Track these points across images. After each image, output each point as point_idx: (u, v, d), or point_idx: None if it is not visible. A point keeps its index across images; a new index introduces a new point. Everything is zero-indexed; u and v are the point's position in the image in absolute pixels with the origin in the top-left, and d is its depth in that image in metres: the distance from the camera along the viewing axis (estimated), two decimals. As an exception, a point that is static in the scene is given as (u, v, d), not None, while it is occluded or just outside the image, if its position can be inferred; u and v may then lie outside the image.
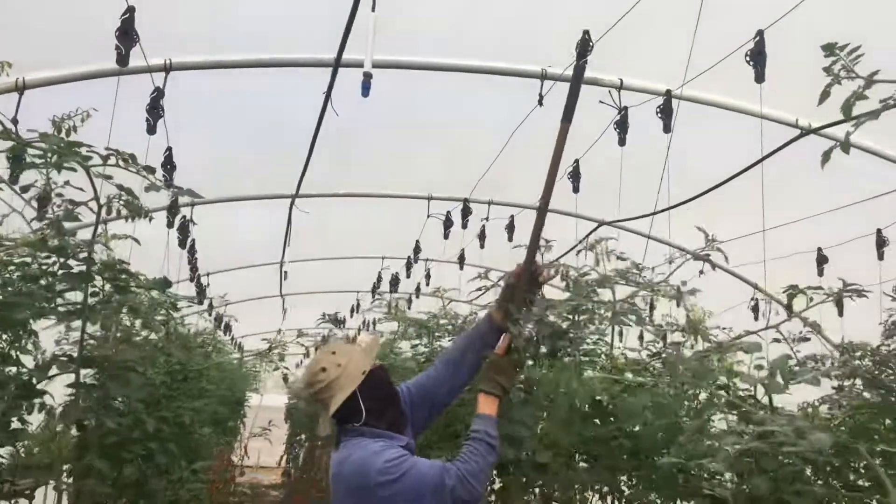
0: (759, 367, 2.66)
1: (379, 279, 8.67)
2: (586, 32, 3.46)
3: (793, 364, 2.64)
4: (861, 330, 3.51)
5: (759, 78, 3.28)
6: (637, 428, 2.80)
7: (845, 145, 1.88)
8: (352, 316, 9.96)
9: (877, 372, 2.88)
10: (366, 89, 2.92)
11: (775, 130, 4.18)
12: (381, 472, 2.29)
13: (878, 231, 4.80)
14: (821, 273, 5.34)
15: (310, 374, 2.48)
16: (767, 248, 5.60)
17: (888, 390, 2.65)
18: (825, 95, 2.08)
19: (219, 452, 7.29)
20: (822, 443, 1.56)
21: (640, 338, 3.86)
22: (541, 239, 2.86)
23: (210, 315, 7.90)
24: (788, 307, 3.72)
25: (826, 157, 1.93)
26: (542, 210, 2.81)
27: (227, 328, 8.93)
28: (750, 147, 4.00)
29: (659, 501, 2.91)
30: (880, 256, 4.76)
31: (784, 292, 3.56)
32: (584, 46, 3.30)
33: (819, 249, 5.42)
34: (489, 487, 3.69)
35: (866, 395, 2.67)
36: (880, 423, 2.40)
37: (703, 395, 2.69)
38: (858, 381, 2.96)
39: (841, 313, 5.67)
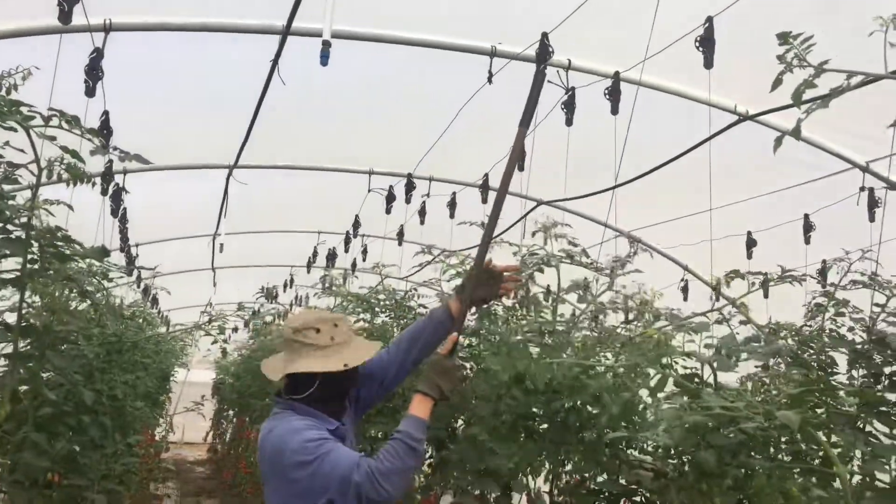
0: (708, 347, 2.77)
1: (315, 254, 8.58)
2: (545, 36, 3.46)
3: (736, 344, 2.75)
4: (784, 312, 3.67)
5: (708, 64, 3.37)
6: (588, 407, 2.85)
7: (796, 131, 1.95)
8: (284, 291, 9.82)
9: (799, 351, 3.04)
10: (324, 58, 2.86)
11: (724, 118, 4.31)
12: (296, 451, 2.24)
13: (806, 216, 5.02)
14: (750, 256, 5.56)
15: (304, 322, 2.43)
16: (705, 233, 5.78)
17: (809, 368, 2.81)
18: (778, 83, 2.15)
19: (146, 427, 7.11)
20: (789, 420, 1.62)
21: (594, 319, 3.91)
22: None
23: (138, 287, 7.66)
24: (716, 289, 3.87)
25: (778, 142, 2.00)
26: (496, 212, 2.77)
27: (155, 301, 8.68)
28: (696, 133, 4.11)
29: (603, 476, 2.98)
30: (807, 241, 4.98)
31: (725, 276, 3.69)
32: (544, 51, 3.24)
33: (749, 233, 5.63)
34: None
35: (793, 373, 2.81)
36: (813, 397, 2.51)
37: (654, 374, 2.77)
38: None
39: (766, 295, 5.92)
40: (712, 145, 4.24)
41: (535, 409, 3.04)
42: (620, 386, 2.48)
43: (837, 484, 2.01)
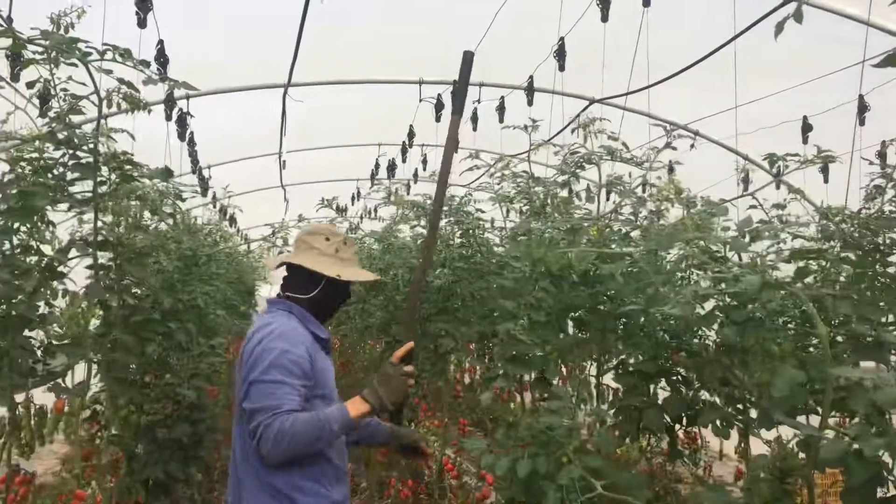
0: (725, 229, 2.87)
1: (377, 166, 8.80)
2: None
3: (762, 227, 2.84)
4: (844, 194, 3.67)
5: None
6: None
7: (798, 15, 1.98)
8: (353, 203, 10.15)
9: (857, 234, 3.05)
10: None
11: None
12: (274, 363, 2.19)
13: (860, 97, 4.88)
14: (805, 141, 5.46)
15: (317, 228, 2.55)
16: (753, 120, 5.70)
17: (864, 251, 2.83)
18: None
19: (233, 337, 7.68)
20: (751, 283, 1.76)
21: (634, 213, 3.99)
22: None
23: (214, 207, 8.10)
24: (777, 175, 3.88)
25: (779, 27, 2.03)
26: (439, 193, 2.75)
27: (233, 220, 9.14)
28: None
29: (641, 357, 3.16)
30: (861, 122, 4.86)
31: (764, 159, 3.71)
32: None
33: (804, 118, 5.52)
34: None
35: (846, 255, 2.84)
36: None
37: (672, 257, 2.90)
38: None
39: (826, 179, 5.83)
40: (764, 32, 4.15)
41: (575, 302, 3.22)
42: (641, 270, 2.63)
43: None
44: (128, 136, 3.03)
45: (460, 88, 2.65)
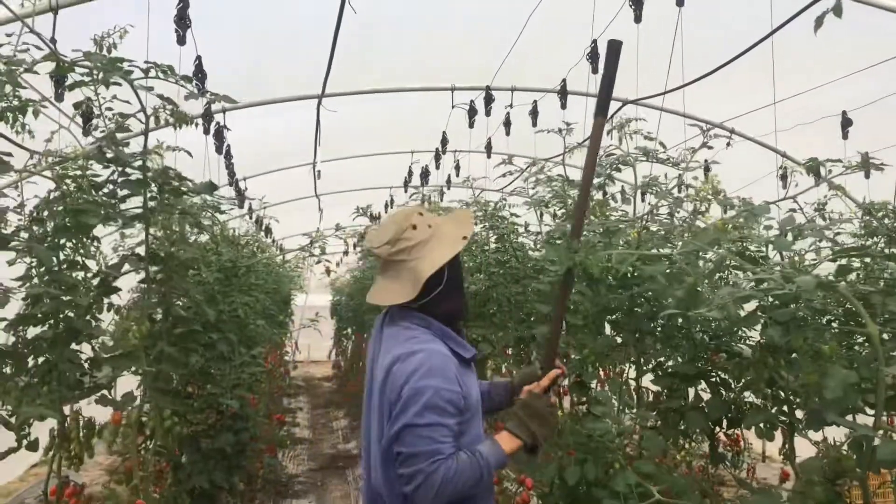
0: (767, 228, 2.83)
1: (410, 173, 8.85)
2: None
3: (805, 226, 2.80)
4: (887, 188, 3.60)
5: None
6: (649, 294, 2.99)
7: (837, 9, 1.96)
8: (386, 211, 10.22)
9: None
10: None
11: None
12: (428, 404, 1.97)
13: (901, 91, 4.79)
14: (845, 136, 5.37)
15: (397, 229, 2.17)
16: (790, 116, 5.62)
17: None
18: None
19: (271, 346, 7.78)
20: (807, 283, 1.74)
21: (671, 214, 3.96)
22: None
23: (251, 218, 8.21)
24: (817, 174, 3.82)
25: (819, 22, 2.01)
26: (578, 224, 2.51)
27: (268, 231, 9.26)
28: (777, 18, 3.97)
29: (680, 359, 3.14)
30: (903, 116, 4.77)
31: (805, 164, 3.66)
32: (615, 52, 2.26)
33: (843, 113, 5.42)
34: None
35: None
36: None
37: (712, 257, 2.87)
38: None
39: (867, 175, 5.74)
40: (799, 27, 4.09)
41: (612, 304, 3.21)
42: (681, 271, 2.61)
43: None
44: (173, 151, 3.10)
45: (606, 84, 2.21)
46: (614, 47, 2.23)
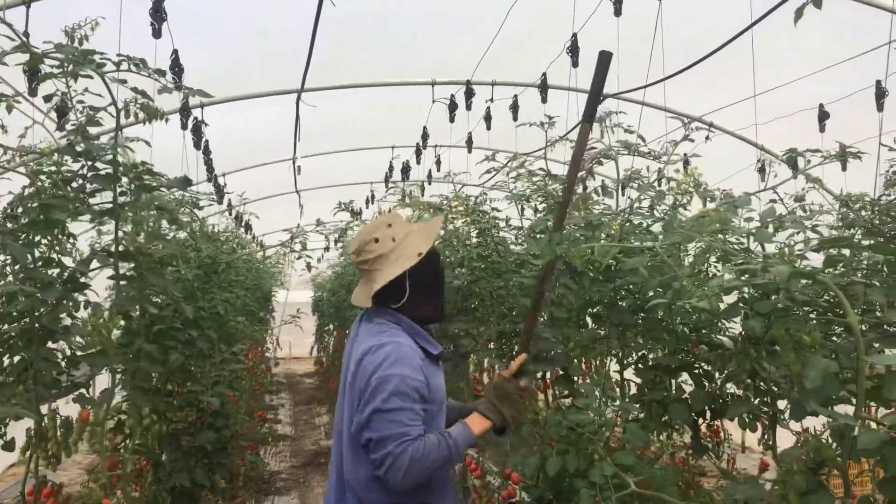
0: (748, 220, 2.84)
1: (391, 168, 8.82)
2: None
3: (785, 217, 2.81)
4: (863, 180, 3.63)
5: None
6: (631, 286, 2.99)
7: (817, 1, 1.96)
8: (367, 206, 10.18)
9: (877, 221, 3.02)
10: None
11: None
12: (395, 390, 2.10)
13: (878, 83, 4.83)
14: (822, 129, 5.41)
15: (360, 241, 2.36)
16: (768, 109, 5.65)
17: (886, 238, 2.80)
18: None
19: (252, 343, 7.71)
20: (780, 273, 1.74)
21: (651, 207, 3.97)
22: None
23: (230, 214, 8.14)
24: (795, 166, 3.84)
25: (799, 13, 2.01)
26: (561, 217, 2.58)
27: (248, 227, 9.18)
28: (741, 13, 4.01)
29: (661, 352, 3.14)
30: (879, 108, 4.81)
31: (783, 155, 3.68)
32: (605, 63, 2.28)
33: (821, 106, 5.46)
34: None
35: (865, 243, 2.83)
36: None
37: (693, 249, 2.88)
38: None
39: (844, 167, 5.79)
40: (777, 21, 4.11)
41: (595, 297, 3.21)
42: (662, 264, 2.60)
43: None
44: (144, 145, 3.05)
45: (594, 94, 2.28)
46: (604, 58, 2.28)
